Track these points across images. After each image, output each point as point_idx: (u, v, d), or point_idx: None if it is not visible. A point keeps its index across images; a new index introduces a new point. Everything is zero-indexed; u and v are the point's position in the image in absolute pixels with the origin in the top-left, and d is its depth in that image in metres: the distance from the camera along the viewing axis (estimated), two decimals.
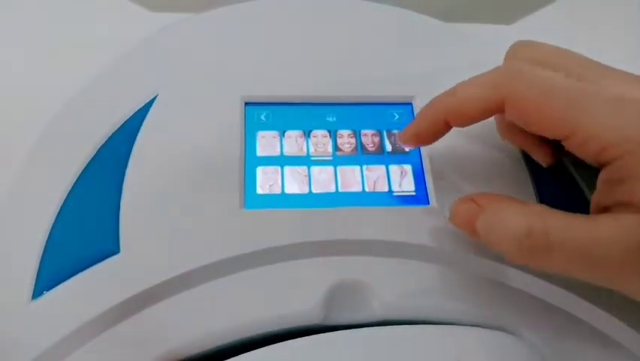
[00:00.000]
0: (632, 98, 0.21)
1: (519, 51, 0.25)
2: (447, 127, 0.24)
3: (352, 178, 0.26)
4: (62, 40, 0.39)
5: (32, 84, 0.36)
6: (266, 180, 0.26)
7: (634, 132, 0.20)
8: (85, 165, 0.25)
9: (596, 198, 0.22)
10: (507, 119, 0.23)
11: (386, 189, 0.26)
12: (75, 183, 0.25)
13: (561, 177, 0.27)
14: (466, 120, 0.24)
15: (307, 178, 0.26)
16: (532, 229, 0.20)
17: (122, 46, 0.30)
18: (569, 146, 0.22)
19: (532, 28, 0.42)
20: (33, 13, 0.41)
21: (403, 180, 0.26)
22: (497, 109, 0.23)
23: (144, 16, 0.41)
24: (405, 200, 0.26)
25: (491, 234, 0.22)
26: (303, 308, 0.23)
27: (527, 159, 0.27)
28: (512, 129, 0.26)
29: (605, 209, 0.21)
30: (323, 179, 0.26)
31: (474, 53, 0.31)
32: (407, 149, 0.27)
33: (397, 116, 0.28)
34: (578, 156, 0.22)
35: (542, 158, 0.26)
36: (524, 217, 0.21)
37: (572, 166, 0.27)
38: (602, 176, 0.22)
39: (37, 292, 0.23)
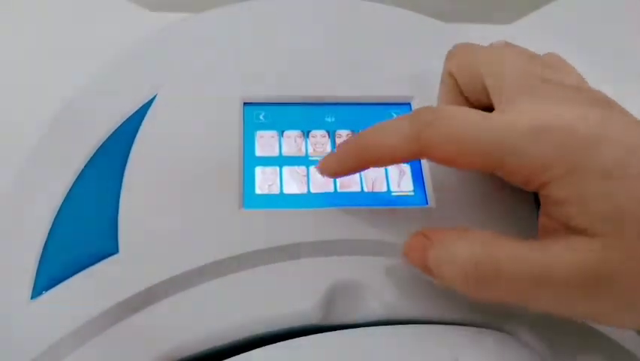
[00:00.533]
0: (549, 126, 0.20)
1: (456, 57, 0.26)
2: (362, 165, 0.24)
3: (351, 178, 0.26)
4: (62, 40, 0.39)
5: (32, 84, 0.36)
6: (264, 180, 0.26)
7: (554, 158, 0.20)
8: (84, 165, 0.25)
9: (541, 221, 0.22)
10: None
11: (384, 189, 0.26)
12: (74, 183, 0.25)
13: None
14: (385, 165, 0.25)
15: (306, 178, 0.26)
16: (480, 259, 0.20)
17: (121, 46, 0.30)
18: (502, 175, 0.22)
19: (532, 28, 0.42)
20: (32, 13, 0.42)
21: (401, 181, 0.26)
22: (419, 157, 0.23)
23: (144, 15, 0.41)
24: (403, 200, 0.26)
25: (441, 267, 0.21)
26: (301, 308, 0.23)
27: None
28: None
29: (552, 231, 0.21)
30: (321, 179, 0.26)
31: None
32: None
33: (396, 117, 0.28)
34: (511, 182, 0.22)
35: None
36: (471, 247, 0.21)
37: None
38: (541, 199, 0.22)
39: (37, 292, 0.23)
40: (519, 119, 0.21)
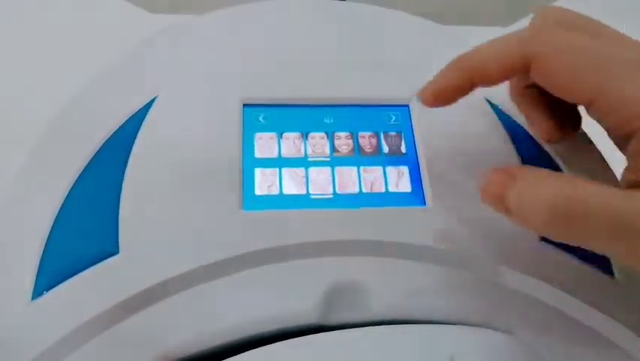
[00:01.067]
0: None
1: (545, 15, 0.24)
2: (470, 86, 0.24)
3: (349, 179, 0.26)
4: (62, 41, 0.39)
5: (32, 85, 0.36)
6: (264, 182, 0.26)
7: None
8: (85, 166, 0.25)
9: (626, 175, 0.21)
10: (530, 81, 0.23)
11: (383, 190, 0.26)
12: (75, 184, 0.25)
13: None
14: (491, 79, 0.23)
15: (305, 179, 0.26)
16: (569, 196, 0.20)
17: (121, 47, 0.31)
18: (593, 112, 0.21)
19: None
20: (33, 15, 0.42)
21: (399, 182, 0.27)
22: (523, 68, 0.22)
23: (144, 17, 0.41)
24: (401, 201, 0.26)
25: (524, 204, 0.21)
26: (301, 308, 0.23)
27: (524, 160, 0.27)
28: (525, 94, 0.25)
29: (637, 184, 0.20)
30: (320, 180, 0.26)
31: None
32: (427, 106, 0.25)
33: (394, 118, 0.28)
34: (602, 124, 0.22)
35: (543, 132, 0.25)
36: (559, 185, 0.20)
37: (564, 165, 0.28)
38: (631, 149, 0.21)
39: (38, 292, 0.23)
40: (630, 53, 0.21)
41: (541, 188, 0.20)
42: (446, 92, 0.24)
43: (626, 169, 0.21)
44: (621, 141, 0.22)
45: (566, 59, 0.21)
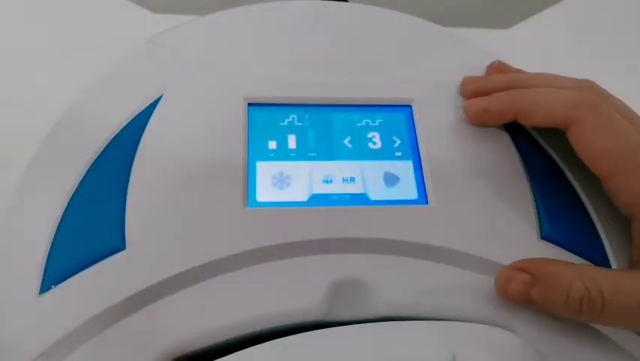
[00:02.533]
0: None
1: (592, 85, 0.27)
2: (513, 118, 0.26)
3: (353, 178, 0.27)
4: (66, 41, 0.39)
5: (37, 85, 0.36)
6: (268, 179, 0.26)
7: None
8: (92, 163, 0.26)
9: (634, 253, 0.24)
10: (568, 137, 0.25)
11: (386, 189, 0.27)
12: (82, 181, 0.25)
13: (557, 179, 0.28)
14: (531, 123, 0.26)
15: (309, 177, 0.26)
16: (591, 293, 0.22)
17: (125, 47, 0.31)
18: (606, 186, 0.24)
19: (529, 32, 0.42)
20: (36, 14, 0.42)
21: (402, 181, 0.27)
22: (563, 126, 0.25)
23: (147, 18, 0.41)
24: (404, 200, 0.26)
25: (550, 301, 0.23)
26: (305, 305, 0.23)
27: (525, 160, 0.28)
28: None
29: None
30: (324, 178, 0.26)
31: (472, 56, 0.31)
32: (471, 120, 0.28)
33: (397, 118, 0.29)
34: (612, 199, 0.24)
35: None
36: (582, 282, 0.22)
37: (566, 167, 0.28)
38: (634, 230, 0.24)
39: (45, 286, 0.23)
40: None
41: (565, 287, 0.22)
42: (489, 112, 0.27)
43: (633, 248, 0.24)
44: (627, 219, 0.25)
45: (601, 136, 0.24)
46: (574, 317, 0.23)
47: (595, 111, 0.24)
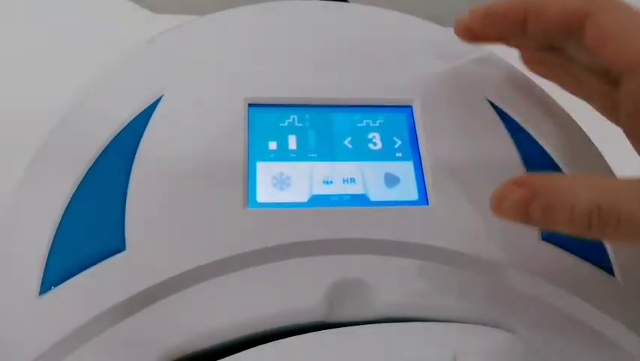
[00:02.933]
0: None
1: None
2: (521, 25, 0.24)
3: (353, 179, 0.27)
4: (67, 41, 0.40)
5: (38, 84, 0.37)
6: (269, 180, 0.26)
7: None
8: (92, 164, 0.26)
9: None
10: (583, 40, 0.23)
11: (386, 189, 0.27)
12: (82, 181, 0.25)
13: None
14: (543, 24, 0.23)
15: (309, 178, 0.26)
16: (602, 207, 0.19)
17: (126, 48, 0.31)
18: (628, 83, 0.21)
19: None
20: (37, 15, 0.42)
21: (403, 181, 0.27)
22: (577, 23, 0.22)
23: (148, 18, 0.41)
24: (405, 200, 0.26)
25: (553, 217, 0.20)
26: (305, 306, 0.23)
27: (525, 161, 0.28)
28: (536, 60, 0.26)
29: None
30: (325, 179, 0.26)
31: (472, 57, 0.31)
32: (462, 39, 0.26)
33: (397, 119, 0.29)
34: (629, 102, 0.22)
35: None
36: (592, 195, 0.19)
37: (566, 167, 0.28)
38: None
39: (45, 287, 0.23)
40: None
41: (570, 199, 0.20)
42: (495, 21, 0.24)
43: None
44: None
45: (623, 25, 0.21)
46: (583, 234, 0.20)
47: (608, 2, 0.22)
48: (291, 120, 0.28)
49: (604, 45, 0.22)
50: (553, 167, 0.28)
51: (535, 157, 0.28)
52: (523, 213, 0.20)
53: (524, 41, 0.25)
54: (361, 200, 0.26)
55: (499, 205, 0.21)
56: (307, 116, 0.28)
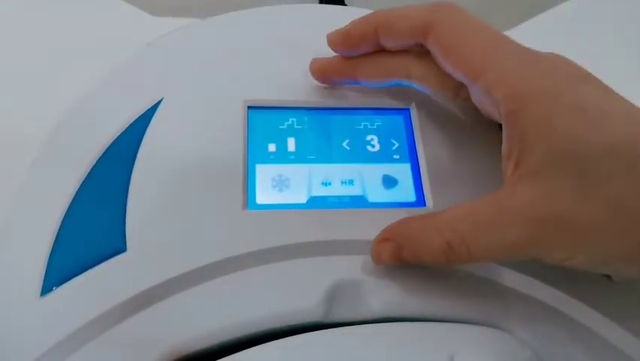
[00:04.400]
0: (551, 56, 0.22)
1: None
2: (374, 35, 0.25)
3: (352, 181, 0.27)
4: (66, 44, 0.40)
5: (38, 87, 0.37)
6: (268, 182, 0.26)
7: (542, 86, 0.21)
8: (93, 166, 0.26)
9: (504, 165, 0.23)
10: (429, 49, 0.24)
11: (384, 191, 0.27)
12: (83, 183, 0.26)
13: None
14: (393, 36, 0.25)
15: (308, 180, 0.27)
16: (451, 243, 0.21)
17: (125, 51, 0.31)
18: (475, 91, 0.23)
19: (529, 34, 0.43)
20: (35, 17, 0.42)
21: (400, 183, 0.27)
22: (423, 32, 0.24)
23: (147, 21, 0.41)
24: (403, 202, 0.27)
25: (420, 260, 0.23)
26: (304, 306, 0.23)
27: None
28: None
29: (508, 174, 0.22)
30: (323, 181, 0.27)
31: None
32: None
33: (395, 121, 0.29)
34: (482, 107, 0.23)
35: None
36: (440, 235, 0.22)
37: None
38: (504, 133, 0.22)
39: (46, 288, 0.23)
40: (526, 46, 0.23)
41: (427, 245, 0.22)
42: (351, 36, 0.26)
43: (503, 158, 0.23)
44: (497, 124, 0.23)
45: (463, 34, 0.23)
46: (450, 265, 0.23)
47: (454, 12, 0.23)
48: (290, 123, 0.28)
49: (446, 56, 0.23)
50: None
51: None
52: (399, 260, 0.23)
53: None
54: (360, 201, 0.26)
55: (380, 259, 0.24)
56: (306, 119, 0.28)
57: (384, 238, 0.24)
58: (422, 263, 0.23)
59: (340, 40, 0.27)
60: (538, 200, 0.20)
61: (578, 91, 0.21)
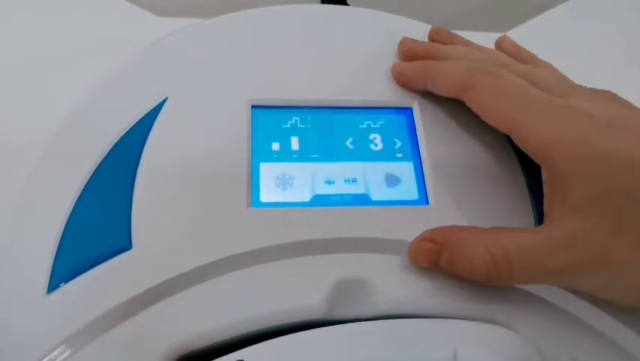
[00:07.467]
0: (582, 107, 0.24)
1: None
2: (423, 86, 0.29)
3: (355, 179, 0.27)
4: (71, 44, 0.40)
5: (42, 87, 0.37)
6: (272, 180, 0.27)
7: (570, 133, 0.23)
8: (98, 164, 0.26)
9: (546, 204, 0.24)
10: (467, 105, 0.27)
11: (387, 189, 0.27)
12: (89, 181, 0.26)
13: None
14: (436, 90, 0.28)
15: (312, 178, 0.27)
16: (496, 259, 0.22)
17: (129, 50, 0.31)
18: (515, 140, 0.25)
19: (526, 36, 0.43)
20: (39, 17, 0.42)
21: (403, 181, 0.27)
22: (461, 93, 0.27)
23: (152, 21, 0.41)
24: (406, 200, 0.27)
25: (457, 268, 0.23)
26: (308, 304, 0.24)
27: (523, 160, 0.28)
28: None
29: (552, 210, 0.23)
30: (327, 179, 0.27)
31: None
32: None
33: (398, 120, 0.29)
34: (526, 151, 0.25)
35: None
36: (486, 250, 0.23)
37: None
38: (543, 175, 0.24)
39: (53, 285, 0.24)
40: (557, 99, 0.25)
41: (470, 254, 0.23)
42: (407, 78, 0.30)
43: (545, 197, 0.24)
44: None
45: (491, 97, 0.25)
46: (484, 282, 0.23)
47: (487, 77, 0.26)
48: (293, 122, 0.28)
49: (483, 115, 0.26)
50: None
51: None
52: (434, 263, 0.24)
53: None
54: (363, 200, 0.27)
55: (416, 255, 0.24)
56: (309, 118, 0.29)
57: (429, 237, 0.24)
58: (456, 274, 0.24)
59: (397, 75, 0.30)
60: (580, 235, 0.22)
61: (604, 137, 0.22)
